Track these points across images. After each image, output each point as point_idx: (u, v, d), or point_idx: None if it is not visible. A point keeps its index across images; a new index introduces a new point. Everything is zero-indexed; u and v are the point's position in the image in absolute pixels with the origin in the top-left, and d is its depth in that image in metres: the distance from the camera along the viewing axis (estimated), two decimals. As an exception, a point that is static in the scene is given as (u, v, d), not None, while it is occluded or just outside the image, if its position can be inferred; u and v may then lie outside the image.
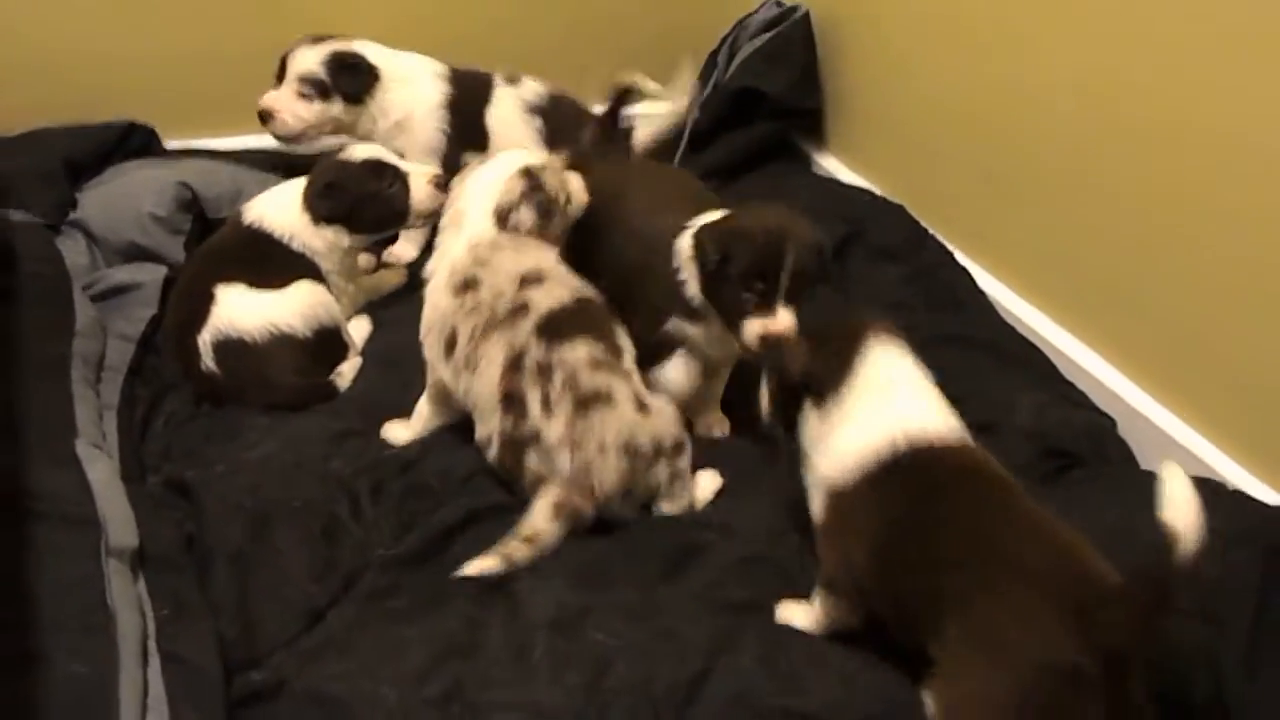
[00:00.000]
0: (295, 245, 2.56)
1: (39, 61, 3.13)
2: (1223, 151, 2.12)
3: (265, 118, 2.90)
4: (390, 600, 1.96)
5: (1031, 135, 2.59)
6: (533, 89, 3.09)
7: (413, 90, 2.98)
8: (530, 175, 2.28)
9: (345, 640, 1.88)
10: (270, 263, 2.52)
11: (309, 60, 2.88)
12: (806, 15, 3.32)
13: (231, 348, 2.41)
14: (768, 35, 3.30)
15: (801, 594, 1.93)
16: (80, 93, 3.12)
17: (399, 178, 2.59)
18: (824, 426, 1.83)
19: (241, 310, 2.43)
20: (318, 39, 2.91)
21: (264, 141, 3.05)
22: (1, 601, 1.72)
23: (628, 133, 3.06)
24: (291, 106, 2.89)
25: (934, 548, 1.67)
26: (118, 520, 1.96)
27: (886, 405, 1.79)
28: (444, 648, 1.85)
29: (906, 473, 1.74)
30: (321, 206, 2.55)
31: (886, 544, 1.72)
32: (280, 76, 2.90)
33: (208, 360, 2.41)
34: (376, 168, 2.58)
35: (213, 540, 2.04)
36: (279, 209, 2.59)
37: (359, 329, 2.64)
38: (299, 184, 2.60)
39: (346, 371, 2.50)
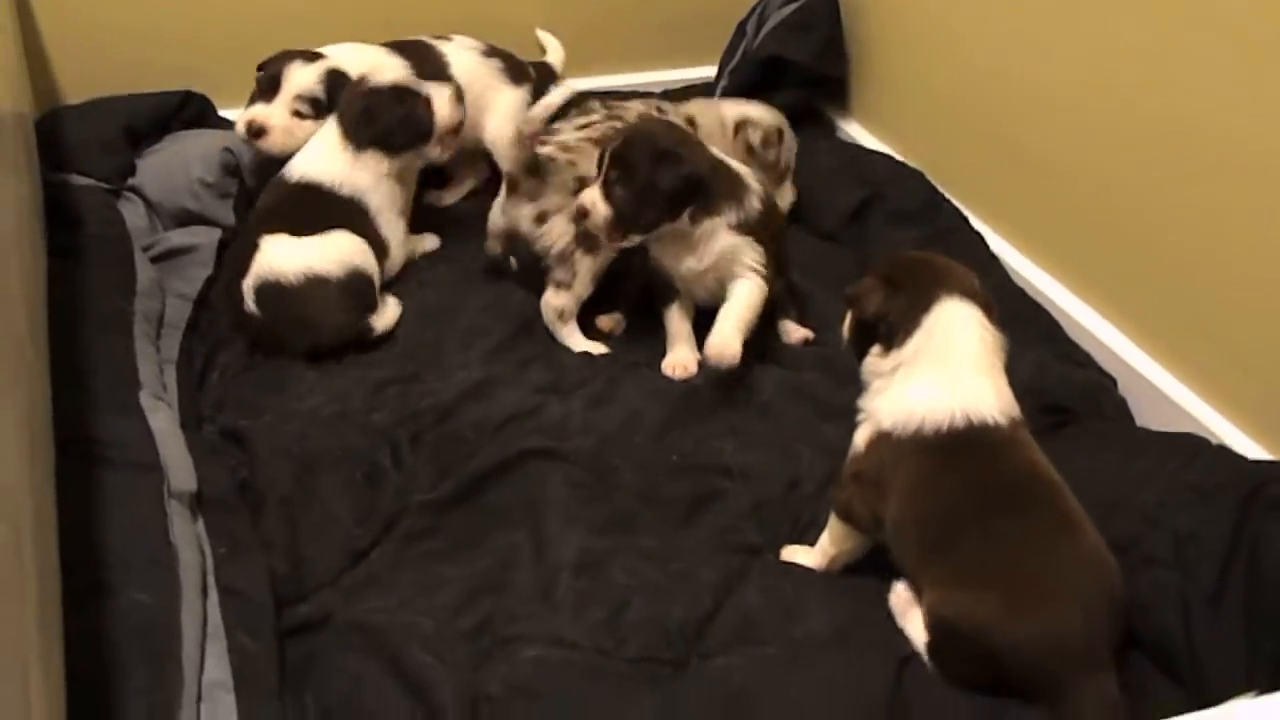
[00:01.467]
0: (345, 191, 2.67)
1: (102, 35, 3.21)
2: (1228, 128, 2.17)
3: (257, 133, 2.83)
4: (427, 541, 2.08)
5: (1044, 106, 2.65)
6: (466, 40, 3.15)
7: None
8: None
9: (386, 577, 2.00)
10: (319, 216, 2.62)
11: (308, 78, 2.84)
12: (832, -14, 3.38)
13: (270, 290, 2.52)
14: (794, 5, 3.36)
15: (809, 540, 2.05)
16: (141, 64, 3.21)
17: (422, 97, 2.72)
18: (888, 369, 1.90)
19: (280, 255, 2.53)
20: (307, 56, 2.88)
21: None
22: (74, 539, 1.81)
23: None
24: (287, 124, 2.83)
25: (960, 513, 1.79)
26: (178, 466, 2.07)
27: (946, 371, 1.85)
28: (476, 585, 1.98)
29: (955, 445, 1.81)
30: (362, 133, 2.67)
31: (916, 494, 1.83)
32: (269, 92, 2.84)
33: (249, 303, 2.53)
34: (403, 91, 2.71)
35: (264, 485, 2.16)
36: (322, 158, 2.69)
37: (389, 311, 2.67)
38: (325, 133, 2.71)
39: (387, 316, 2.61)
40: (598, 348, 2.58)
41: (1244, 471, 1.98)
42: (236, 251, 2.65)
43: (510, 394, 2.39)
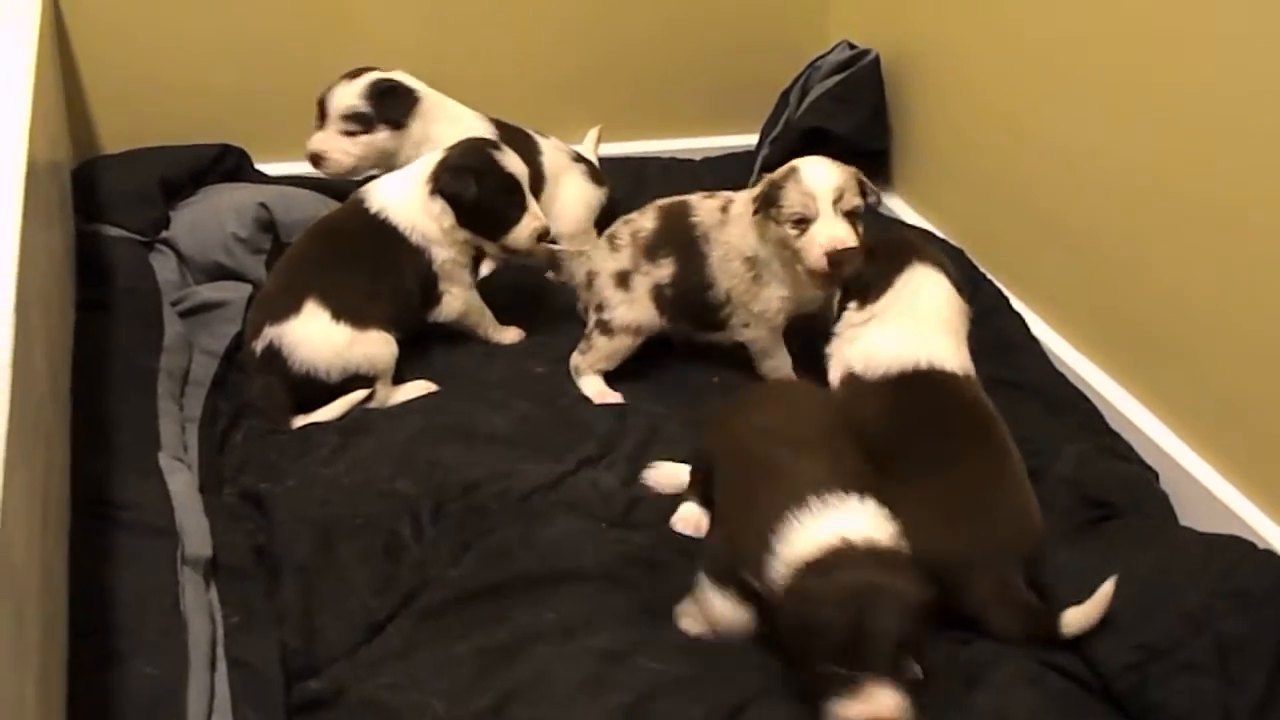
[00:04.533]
0: (415, 238, 2.64)
1: (143, 87, 3.24)
2: (1275, 216, 2.13)
3: (316, 161, 2.92)
4: (445, 617, 2.02)
5: (1087, 190, 2.62)
6: (557, 140, 3.19)
7: (460, 128, 2.92)
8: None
9: (402, 653, 1.95)
10: (380, 262, 2.61)
11: (348, 96, 2.90)
12: (877, 59, 3.36)
13: (278, 359, 2.53)
14: (838, 77, 3.34)
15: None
16: (180, 117, 3.23)
17: (522, 206, 2.65)
18: (860, 322, 2.21)
19: (311, 340, 2.53)
20: (354, 74, 2.94)
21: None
22: (85, 605, 1.80)
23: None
24: (339, 145, 2.91)
25: (907, 445, 2.04)
26: (194, 531, 2.05)
27: (913, 324, 2.15)
28: (492, 664, 1.92)
29: (913, 385, 2.10)
30: (446, 182, 2.61)
31: (872, 420, 2.08)
32: (322, 118, 2.93)
33: (257, 344, 2.55)
34: (513, 183, 2.64)
35: (282, 552, 2.12)
36: (404, 201, 2.65)
37: (413, 390, 2.65)
38: (418, 173, 2.66)
39: (401, 394, 2.61)
40: (613, 397, 2.62)
41: (1292, 577, 1.92)
42: (284, 278, 2.63)
43: (536, 465, 2.36)
